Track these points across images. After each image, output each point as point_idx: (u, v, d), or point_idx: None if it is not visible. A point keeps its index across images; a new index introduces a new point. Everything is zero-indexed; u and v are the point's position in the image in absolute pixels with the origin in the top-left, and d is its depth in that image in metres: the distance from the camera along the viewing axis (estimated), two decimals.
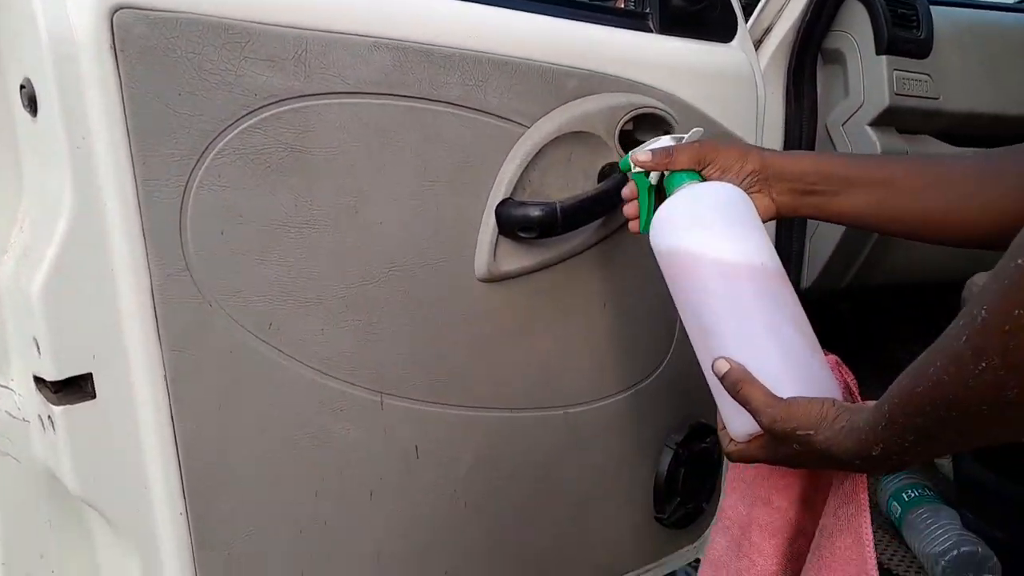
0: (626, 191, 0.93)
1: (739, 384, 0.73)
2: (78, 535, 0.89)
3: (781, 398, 0.70)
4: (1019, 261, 0.47)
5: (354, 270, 0.91)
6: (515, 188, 1.02)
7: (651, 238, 0.84)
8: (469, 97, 0.95)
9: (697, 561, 1.65)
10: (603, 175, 1.10)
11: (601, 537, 1.28)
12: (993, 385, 0.49)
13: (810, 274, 1.62)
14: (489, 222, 1.01)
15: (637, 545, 1.35)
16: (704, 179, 0.83)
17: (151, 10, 0.73)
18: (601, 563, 1.31)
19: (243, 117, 0.80)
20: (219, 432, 0.84)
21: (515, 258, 1.04)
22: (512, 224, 1.00)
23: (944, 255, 1.49)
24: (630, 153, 0.90)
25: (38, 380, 0.79)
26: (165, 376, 0.80)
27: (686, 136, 0.86)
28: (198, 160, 0.78)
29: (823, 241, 1.61)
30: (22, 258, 0.78)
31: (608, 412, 1.22)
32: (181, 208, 0.78)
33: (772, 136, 1.53)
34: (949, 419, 0.54)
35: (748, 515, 0.88)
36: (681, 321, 1.32)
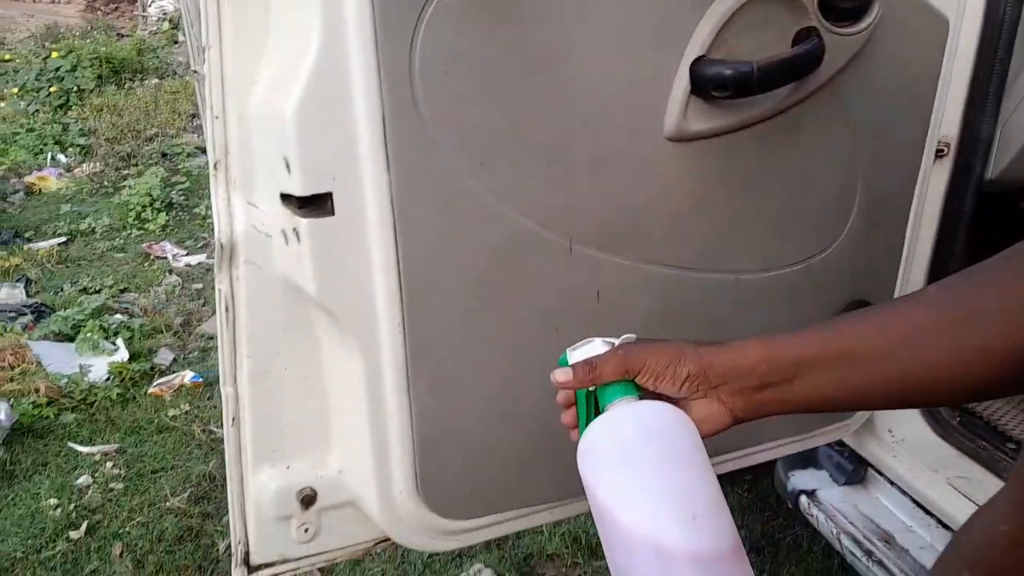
0: (560, 397, 0.80)
1: None
2: (307, 338, 1.03)
3: None
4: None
5: (556, 120, 0.97)
6: (710, 47, 1.03)
7: (577, 455, 0.74)
8: None
9: (840, 443, 1.68)
10: (798, 39, 1.09)
11: None
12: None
13: (997, 164, 1.54)
14: (682, 80, 1.03)
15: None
16: (639, 389, 0.73)
17: None
18: (748, 430, 1.36)
19: None
20: (434, 256, 0.94)
21: (705, 118, 1.06)
22: (706, 82, 1.02)
23: None
24: (552, 373, 0.78)
25: (285, 197, 0.90)
26: (392, 200, 0.89)
27: (617, 341, 0.76)
28: (426, 2, 0.84)
29: (1017, 128, 1.52)
30: (273, 87, 0.88)
31: (778, 283, 1.25)
32: (411, 46, 0.85)
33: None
34: None
35: None
36: (859, 199, 1.33)
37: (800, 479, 1.75)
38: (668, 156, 1.07)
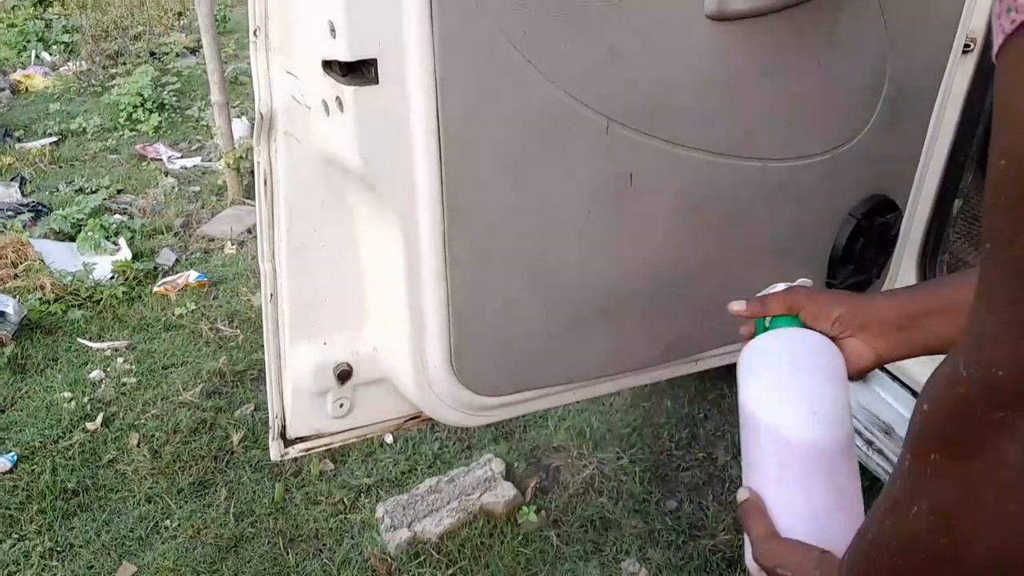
0: (743, 330, 0.91)
1: (748, 514, 0.73)
2: (344, 214, 1.03)
3: (777, 536, 0.71)
4: (924, 406, 0.46)
5: None
6: None
7: (739, 357, 0.85)
8: None
9: None
10: None
11: None
12: (926, 530, 0.47)
13: None
14: None
15: None
16: (802, 323, 0.83)
17: None
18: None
19: None
20: (473, 128, 0.93)
21: None
22: None
23: None
24: (730, 304, 0.90)
25: (327, 65, 0.89)
26: (435, 69, 0.89)
27: (796, 283, 0.88)
28: None
29: None
30: None
31: (804, 171, 1.26)
32: None
33: None
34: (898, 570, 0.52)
35: None
36: (885, 93, 1.33)
37: None
38: (707, 35, 1.06)
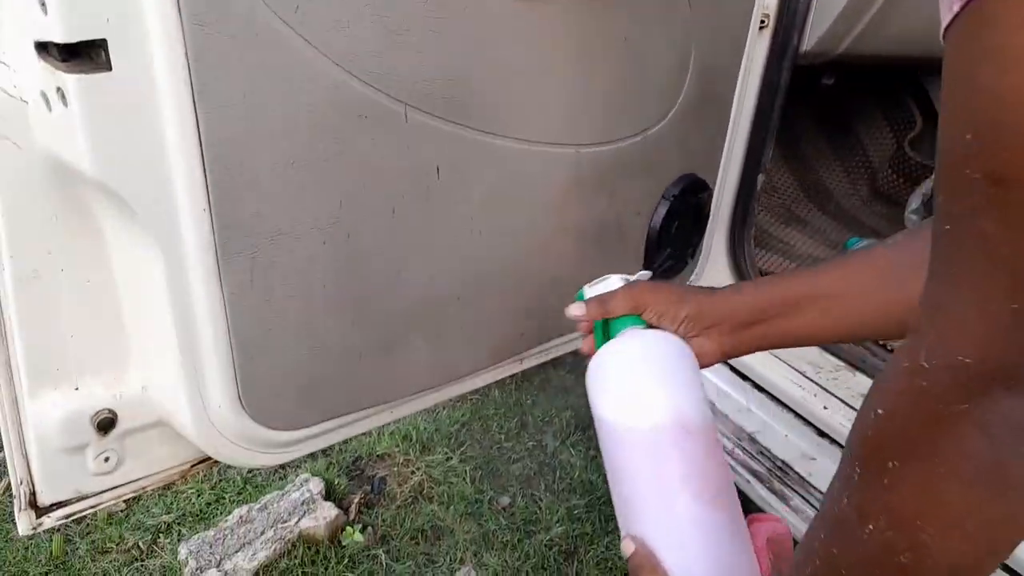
0: (581, 328, 0.87)
1: (638, 571, 0.66)
2: (87, 230, 0.84)
3: None
4: (878, 410, 0.43)
5: None
6: None
7: (586, 374, 0.78)
8: None
9: None
10: None
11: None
12: (884, 548, 0.43)
13: (811, 36, 1.57)
14: None
15: None
16: (645, 322, 0.79)
17: None
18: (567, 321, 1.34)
19: None
20: (243, 124, 0.77)
21: None
22: None
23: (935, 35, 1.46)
24: (568, 307, 0.84)
25: (41, 47, 0.70)
26: (186, 53, 0.72)
27: (632, 278, 0.83)
28: None
29: (831, 1, 1.55)
30: None
31: (617, 155, 1.20)
32: None
33: None
34: None
35: None
36: (691, 72, 1.30)
37: None
38: (512, 17, 0.95)
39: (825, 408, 1.48)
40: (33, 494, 0.94)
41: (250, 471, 2.05)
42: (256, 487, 2.02)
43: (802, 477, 1.53)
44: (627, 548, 0.68)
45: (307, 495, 1.93)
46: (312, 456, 2.13)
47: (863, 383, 1.52)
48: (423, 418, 2.26)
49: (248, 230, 0.82)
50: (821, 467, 1.49)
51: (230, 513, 1.90)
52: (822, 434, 1.50)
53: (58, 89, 0.70)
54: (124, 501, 1.96)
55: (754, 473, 1.57)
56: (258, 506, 1.91)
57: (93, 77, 0.69)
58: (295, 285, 0.89)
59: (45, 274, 0.84)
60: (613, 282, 0.83)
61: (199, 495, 1.98)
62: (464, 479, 2.07)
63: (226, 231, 0.80)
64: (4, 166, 0.78)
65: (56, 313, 0.86)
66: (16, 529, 1.83)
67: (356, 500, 1.96)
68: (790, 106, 1.56)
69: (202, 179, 0.77)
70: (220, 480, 2.03)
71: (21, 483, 0.93)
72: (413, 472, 2.09)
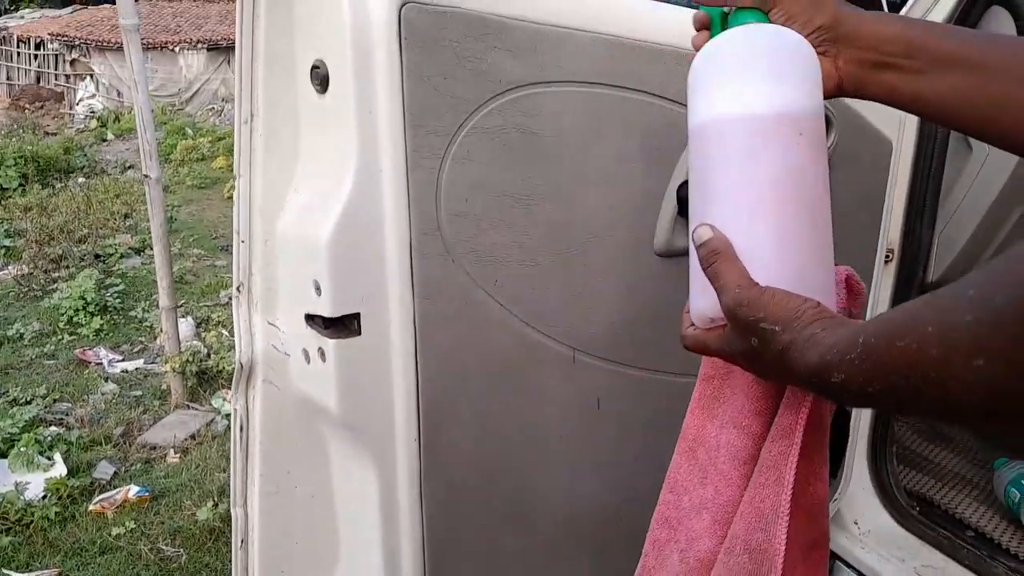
0: (698, 17, 0.76)
1: (714, 256, 0.61)
2: (316, 455, 1.03)
3: (756, 283, 0.59)
4: None
5: (562, 239, 1.03)
6: None
7: (689, 72, 0.70)
8: (666, 88, 1.06)
9: None
10: None
11: None
12: (988, 383, 0.41)
13: (938, 268, 1.68)
14: (670, 202, 1.11)
15: None
16: (769, 22, 0.69)
17: (429, 4, 0.86)
18: None
19: (488, 100, 0.93)
20: (449, 369, 0.97)
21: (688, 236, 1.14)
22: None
23: None
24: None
25: (310, 318, 0.93)
26: (415, 320, 0.93)
27: None
28: (454, 135, 0.91)
29: (953, 235, 1.67)
30: (303, 213, 0.92)
31: None
32: (438, 175, 0.91)
33: None
34: (923, 394, 0.45)
35: (717, 439, 0.77)
36: None
37: None
38: (659, 269, 1.14)
39: None
40: None
41: None
42: None
43: None
44: (703, 233, 0.62)
45: None
46: None
47: None
48: None
49: (446, 456, 1.00)
50: None
51: None
52: None
53: (319, 349, 0.93)
54: None
55: None
56: None
57: (348, 341, 0.91)
58: (480, 502, 1.05)
59: (283, 490, 1.04)
60: None
61: None
62: None
63: (430, 457, 0.98)
64: (266, 404, 1.00)
65: (288, 523, 1.05)
66: None
67: None
68: None
69: (416, 414, 0.96)
70: None
71: None
72: None
